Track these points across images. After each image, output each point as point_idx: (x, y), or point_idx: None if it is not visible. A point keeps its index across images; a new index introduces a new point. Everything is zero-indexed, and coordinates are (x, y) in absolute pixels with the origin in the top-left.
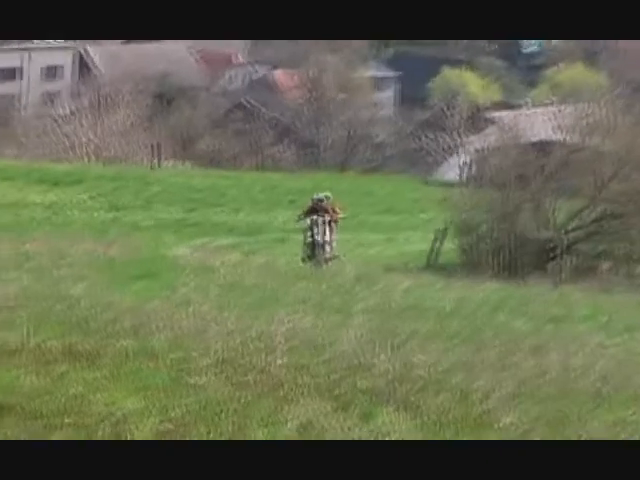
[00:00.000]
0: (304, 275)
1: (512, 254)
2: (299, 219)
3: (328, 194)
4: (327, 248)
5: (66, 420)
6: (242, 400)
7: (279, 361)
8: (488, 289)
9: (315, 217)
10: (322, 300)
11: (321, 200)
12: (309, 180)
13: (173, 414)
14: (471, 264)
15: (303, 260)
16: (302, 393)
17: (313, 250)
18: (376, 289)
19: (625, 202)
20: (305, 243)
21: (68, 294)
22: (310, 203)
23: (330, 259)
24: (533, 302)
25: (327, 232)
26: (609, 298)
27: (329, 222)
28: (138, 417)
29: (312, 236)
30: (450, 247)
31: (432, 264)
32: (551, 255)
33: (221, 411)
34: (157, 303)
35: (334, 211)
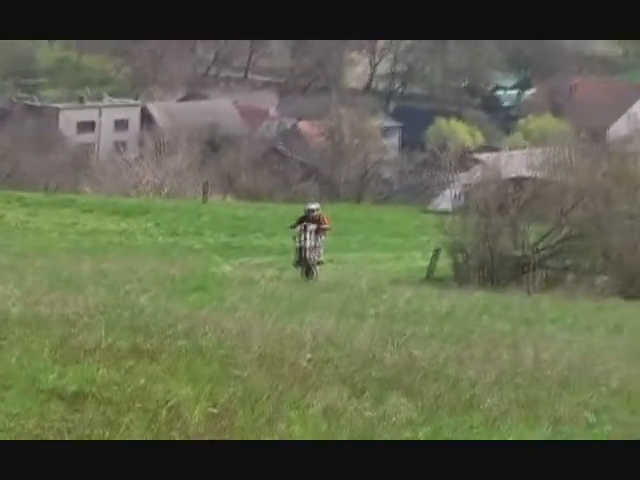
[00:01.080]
0: (327, 287)
1: (494, 269)
2: (292, 226)
3: (317, 205)
4: (314, 253)
5: (134, 405)
6: (277, 388)
7: (307, 355)
8: (475, 297)
9: (305, 224)
10: (342, 307)
11: (312, 210)
12: (330, 210)
13: (220, 400)
14: (461, 277)
15: (294, 264)
16: (326, 382)
17: (300, 254)
18: (385, 297)
19: (585, 225)
20: (296, 248)
21: (135, 304)
22: (303, 213)
23: (318, 263)
24: (511, 307)
25: (314, 238)
26: (573, 304)
27: (316, 230)
28: (191, 403)
29: (300, 241)
30: (445, 264)
31: (430, 277)
32: (525, 269)
33: (260, 397)
34: (208, 310)
35: (322, 221)
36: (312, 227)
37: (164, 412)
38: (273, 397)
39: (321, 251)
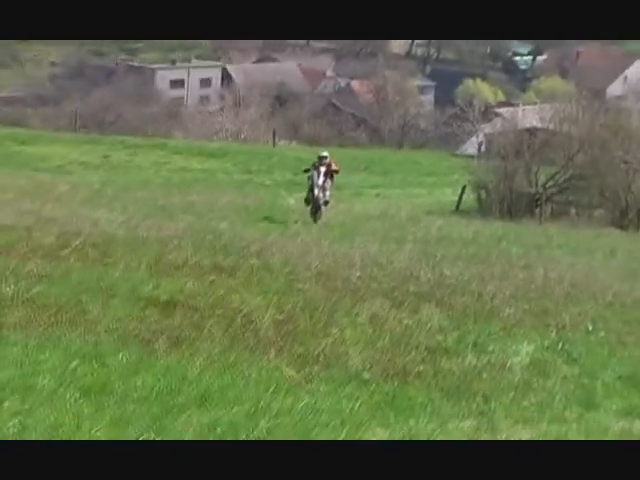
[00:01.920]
0: (372, 216)
1: (511, 203)
2: (305, 170)
3: (326, 153)
4: (322, 193)
5: (215, 312)
6: (331, 299)
7: (357, 273)
8: (495, 226)
9: (317, 165)
10: (385, 233)
11: (324, 157)
12: (376, 154)
13: (285, 309)
14: (484, 210)
15: (305, 201)
16: (371, 295)
17: (312, 191)
18: (421, 226)
19: (586, 168)
20: (308, 186)
21: (216, 229)
22: (316, 160)
23: (325, 203)
24: (524, 235)
25: (323, 179)
26: (576, 232)
27: (326, 172)
28: (261, 311)
29: (312, 181)
30: (470, 198)
31: (458, 210)
32: (536, 203)
33: (317, 307)
34: (275, 235)
35: (331, 165)
36: (322, 169)
37: (239, 318)
38: (328, 307)
39: (328, 193)
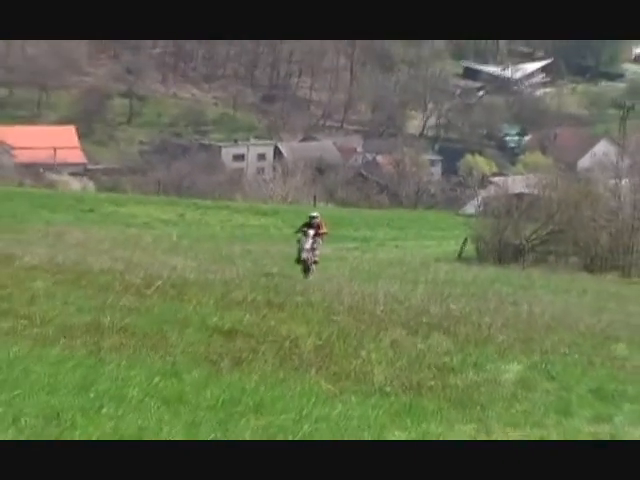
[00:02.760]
0: (392, 262)
1: (501, 252)
2: (296, 231)
3: (316, 213)
4: (311, 254)
5: (267, 338)
6: (360, 328)
7: (380, 308)
8: (489, 271)
9: (305, 229)
10: (402, 276)
11: (314, 217)
12: (395, 213)
13: (323, 336)
14: (480, 258)
15: (296, 261)
16: (392, 325)
17: (300, 254)
18: (430, 270)
19: (562, 224)
20: (298, 248)
21: (269, 272)
22: (308, 220)
23: (314, 262)
24: (512, 278)
25: (312, 241)
26: (554, 276)
27: (314, 234)
28: (304, 338)
29: (300, 244)
30: (470, 249)
31: (460, 257)
32: (522, 252)
33: (349, 334)
34: (315, 278)
35: (320, 226)
36: (311, 232)
37: (287, 343)
38: (357, 334)
39: (317, 252)
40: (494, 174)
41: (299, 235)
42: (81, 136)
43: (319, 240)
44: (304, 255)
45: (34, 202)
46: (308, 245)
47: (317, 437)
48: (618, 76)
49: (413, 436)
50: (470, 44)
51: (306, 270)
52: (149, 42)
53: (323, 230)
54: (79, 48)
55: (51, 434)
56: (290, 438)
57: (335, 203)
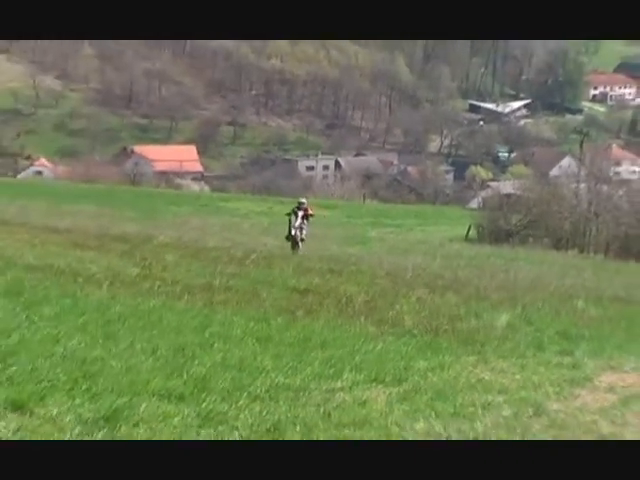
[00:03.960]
0: (418, 242)
1: (496, 235)
2: (287, 214)
3: (304, 200)
4: (299, 232)
5: (330, 295)
6: (395, 288)
7: (409, 274)
8: (486, 249)
9: (295, 210)
10: (426, 251)
11: (302, 203)
12: (420, 207)
13: (371, 293)
14: (480, 239)
15: (286, 238)
16: (417, 286)
17: (290, 231)
18: (445, 247)
19: (538, 215)
20: (288, 226)
21: (330, 248)
22: (296, 204)
23: (301, 240)
24: (503, 253)
25: (300, 221)
26: (532, 252)
27: (303, 216)
28: (356, 295)
29: (290, 222)
30: (473, 232)
31: (466, 239)
32: (510, 235)
33: (387, 292)
34: (364, 253)
35: (307, 210)
36: (300, 213)
37: (344, 299)
38: (393, 293)
39: (304, 232)
40: (490, 180)
41: (290, 216)
42: (199, 152)
43: (306, 222)
44: (293, 232)
45: (166, 199)
46: (297, 224)
47: (366, 367)
48: (578, 111)
49: (432, 364)
50: (473, 88)
51: (294, 245)
52: (247, 85)
53: (310, 212)
54: (198, 90)
55: (178, 363)
56: (347, 367)
57: (378, 200)
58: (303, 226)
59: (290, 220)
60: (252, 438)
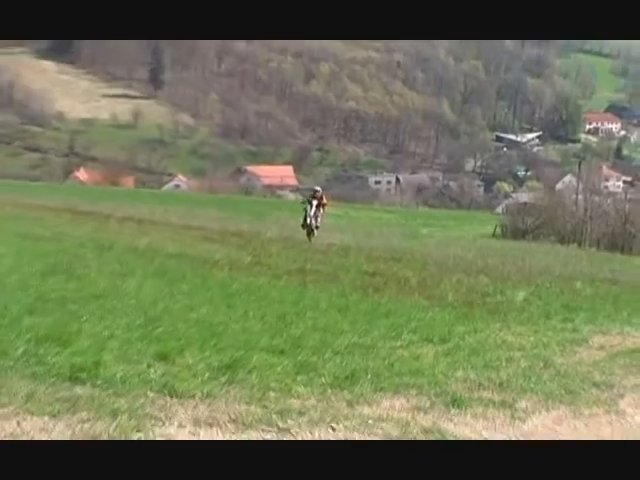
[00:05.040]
0: (457, 238)
1: (515, 233)
2: (303, 202)
3: (319, 188)
4: (314, 220)
5: (392, 277)
6: (442, 273)
7: (451, 261)
8: (509, 244)
9: (310, 199)
10: (463, 245)
11: (317, 191)
12: (459, 212)
13: (422, 275)
14: (504, 236)
15: (302, 226)
16: (457, 271)
17: (305, 219)
18: (477, 242)
19: (547, 219)
20: (303, 215)
21: (392, 242)
22: (311, 193)
23: (316, 227)
24: (520, 247)
25: (315, 209)
26: (542, 246)
27: (317, 204)
28: (411, 278)
29: (305, 210)
30: (498, 231)
31: (493, 236)
32: (526, 233)
33: (434, 275)
34: (416, 246)
35: (322, 199)
36: (315, 202)
37: (402, 280)
38: (439, 275)
39: (319, 219)
40: (512, 192)
41: (305, 205)
42: (295, 171)
43: (321, 210)
44: (308, 220)
45: (271, 206)
46: (312, 212)
47: (419, 330)
48: (577, 141)
49: (468, 329)
50: (499, 124)
51: (310, 232)
52: (331, 121)
53: (324, 201)
54: (294, 124)
55: (280, 327)
56: (405, 330)
57: (427, 207)
58: (318, 214)
59: (305, 209)
60: (334, 384)
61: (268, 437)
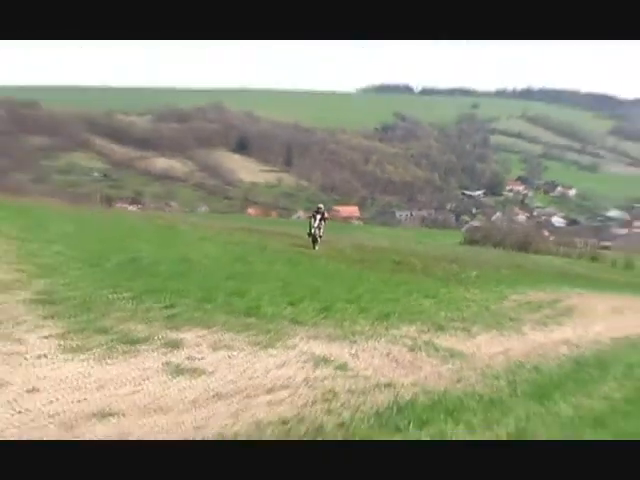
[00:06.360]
0: (442, 245)
1: (472, 242)
2: (309, 217)
3: (322, 205)
4: (318, 231)
5: (415, 267)
6: (437, 262)
7: (438, 255)
8: (469, 248)
9: (314, 214)
10: (445, 248)
11: (320, 207)
12: (438, 231)
13: (426, 264)
14: (466, 244)
15: (308, 235)
16: (439, 261)
17: (310, 230)
18: (452, 247)
19: (487, 235)
20: (309, 226)
21: (416, 248)
22: (315, 209)
23: (319, 237)
24: (474, 249)
25: (318, 222)
26: (485, 249)
27: (320, 219)
28: (419, 264)
29: (310, 223)
30: (463, 241)
31: (460, 244)
32: (477, 242)
33: (437, 264)
34: (420, 248)
35: (324, 214)
36: (318, 216)
37: (415, 266)
38: (435, 263)
39: (322, 231)
40: (470, 221)
41: (310, 219)
42: (359, 209)
43: (323, 223)
44: (313, 231)
45: (346, 230)
46: (316, 224)
47: (421, 291)
48: (502, 195)
49: (446, 291)
50: (463, 186)
51: (314, 241)
52: (377, 184)
53: (326, 216)
54: (358, 186)
55: (350, 289)
56: (414, 292)
57: (427, 228)
58: (321, 226)
59: (310, 222)
60: (379, 318)
61: (345, 344)
